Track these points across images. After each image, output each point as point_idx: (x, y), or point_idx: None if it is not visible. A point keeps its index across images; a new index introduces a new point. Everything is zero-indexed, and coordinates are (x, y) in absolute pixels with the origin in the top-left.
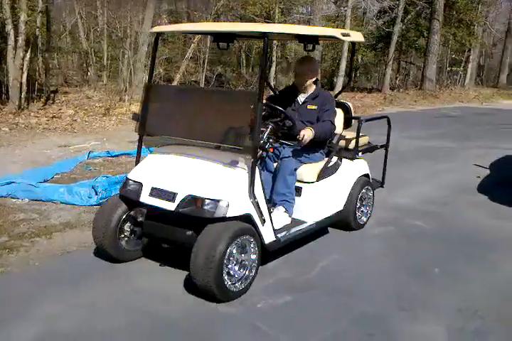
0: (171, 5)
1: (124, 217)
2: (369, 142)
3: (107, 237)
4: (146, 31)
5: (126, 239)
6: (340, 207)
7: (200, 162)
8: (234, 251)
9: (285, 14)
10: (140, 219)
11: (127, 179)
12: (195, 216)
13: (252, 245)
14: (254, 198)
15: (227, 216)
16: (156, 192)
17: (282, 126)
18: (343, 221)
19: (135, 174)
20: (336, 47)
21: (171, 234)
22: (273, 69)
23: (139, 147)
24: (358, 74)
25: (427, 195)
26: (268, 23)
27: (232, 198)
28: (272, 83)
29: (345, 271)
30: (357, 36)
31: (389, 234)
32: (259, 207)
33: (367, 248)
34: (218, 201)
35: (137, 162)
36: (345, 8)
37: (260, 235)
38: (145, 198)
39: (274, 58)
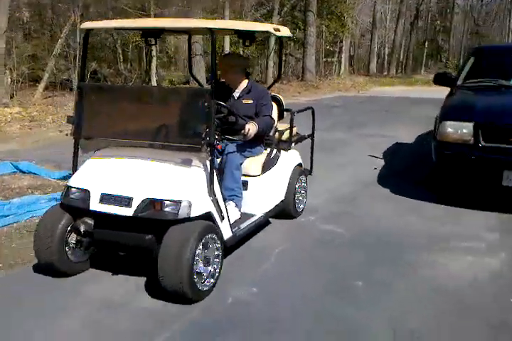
0: None
1: (68, 227)
2: (297, 132)
3: (53, 251)
4: (2, 27)
5: (72, 251)
6: (282, 197)
7: (149, 163)
8: (199, 250)
9: (160, 6)
10: (87, 228)
11: (68, 187)
12: (156, 219)
13: (214, 242)
14: (214, 195)
15: (191, 216)
16: (107, 199)
17: (226, 122)
18: (285, 210)
19: (77, 181)
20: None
21: (128, 240)
22: (154, 63)
23: (75, 152)
24: None
25: (334, 193)
26: (143, 14)
27: (193, 197)
28: (154, 78)
29: (257, 303)
30: (286, 31)
31: (302, 245)
32: (218, 204)
33: (279, 266)
34: (180, 202)
35: (74, 168)
36: (224, 0)
37: (220, 231)
38: (95, 206)
39: (154, 53)
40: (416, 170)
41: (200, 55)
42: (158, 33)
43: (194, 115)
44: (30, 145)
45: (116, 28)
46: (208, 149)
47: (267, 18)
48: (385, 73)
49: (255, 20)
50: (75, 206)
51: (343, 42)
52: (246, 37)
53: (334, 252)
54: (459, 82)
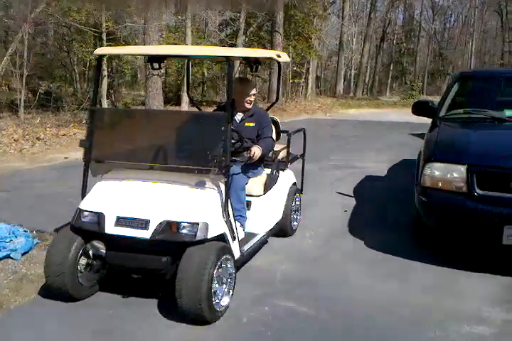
0: None
1: (80, 251)
2: (291, 152)
3: (65, 275)
4: None
5: (82, 274)
6: (281, 216)
7: (163, 186)
8: (216, 271)
9: (116, 23)
10: (99, 251)
11: (80, 210)
12: (173, 241)
13: (228, 262)
14: (228, 217)
15: (208, 237)
16: (123, 222)
17: (233, 145)
18: (282, 228)
19: (89, 204)
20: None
21: (144, 263)
22: (104, 85)
23: (85, 175)
24: (205, 88)
25: (295, 248)
26: (96, 31)
27: (209, 219)
28: (105, 100)
29: None
30: (285, 57)
31: (256, 333)
32: (231, 225)
33: None
34: (197, 224)
35: (84, 191)
36: (185, 19)
37: (232, 251)
38: (111, 229)
39: (105, 72)
40: (393, 214)
41: (157, 76)
42: (163, 58)
43: (211, 139)
44: None
45: (131, 54)
46: (224, 171)
47: (232, 38)
48: (352, 95)
49: (220, 40)
50: (88, 230)
51: (310, 63)
52: (254, 63)
53: None
54: (442, 113)
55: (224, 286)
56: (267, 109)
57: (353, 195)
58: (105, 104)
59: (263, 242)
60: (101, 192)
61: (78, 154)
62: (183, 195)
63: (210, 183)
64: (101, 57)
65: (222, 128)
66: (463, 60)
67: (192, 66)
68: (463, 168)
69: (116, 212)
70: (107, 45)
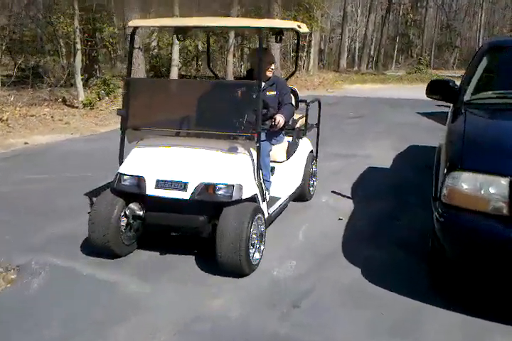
0: None
1: (122, 212)
2: (307, 122)
3: (110, 234)
4: None
5: (123, 234)
6: (301, 181)
7: (199, 151)
8: (251, 229)
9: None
10: (138, 212)
11: (120, 174)
12: (209, 201)
13: (260, 221)
14: (259, 179)
15: (242, 198)
16: (163, 184)
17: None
18: (301, 193)
19: (128, 168)
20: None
21: (182, 222)
22: (78, 58)
23: (122, 142)
24: (200, 63)
25: (270, 276)
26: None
27: (243, 181)
28: (79, 77)
29: None
30: (305, 28)
31: None
32: (261, 188)
33: None
34: (232, 185)
35: (121, 157)
36: None
37: (263, 212)
38: (151, 191)
39: (78, 46)
40: (401, 226)
41: (139, 49)
42: (187, 30)
43: (243, 106)
44: None
45: (161, 27)
46: (256, 137)
47: (226, 7)
48: (356, 69)
49: (216, 12)
50: (129, 192)
51: (312, 36)
52: (278, 34)
53: None
54: (466, 97)
55: (257, 242)
56: (286, 79)
57: (350, 195)
58: (79, 80)
59: (285, 206)
60: (139, 158)
61: (41, 138)
62: (218, 159)
63: (242, 148)
64: (135, 29)
65: (254, 96)
66: (471, 32)
67: (184, 39)
68: (504, 182)
69: (156, 176)
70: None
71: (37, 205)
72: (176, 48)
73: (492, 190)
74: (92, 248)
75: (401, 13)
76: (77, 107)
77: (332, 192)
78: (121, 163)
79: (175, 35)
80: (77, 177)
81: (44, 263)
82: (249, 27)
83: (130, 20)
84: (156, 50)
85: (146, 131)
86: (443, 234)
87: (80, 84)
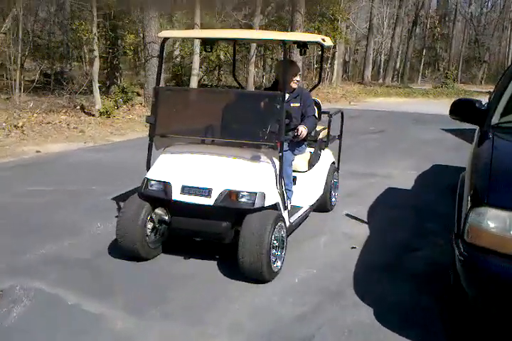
0: None
1: (148, 217)
2: (329, 133)
3: (137, 238)
4: None
5: (149, 238)
6: (322, 191)
7: (223, 159)
8: (273, 236)
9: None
10: (164, 217)
11: (148, 179)
12: (232, 208)
13: (282, 229)
14: (282, 188)
15: (264, 206)
16: (188, 190)
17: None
18: (322, 203)
19: (156, 174)
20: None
21: (206, 227)
22: (95, 66)
23: (150, 148)
24: (221, 72)
25: (272, 321)
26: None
27: (266, 189)
28: (96, 85)
29: None
30: (329, 41)
31: None
32: (283, 196)
33: None
34: (255, 193)
35: (149, 163)
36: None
37: (284, 220)
38: (177, 196)
39: (96, 53)
40: (422, 259)
41: (157, 57)
42: (214, 42)
43: (269, 116)
44: None
45: (191, 38)
46: (279, 146)
47: (249, 19)
48: (381, 81)
49: (236, 21)
50: (156, 197)
51: (337, 47)
52: (302, 46)
53: None
54: (495, 119)
55: (278, 251)
56: (310, 90)
57: (366, 219)
58: (96, 87)
59: (306, 216)
60: (165, 164)
61: (54, 147)
62: (241, 167)
63: (265, 157)
64: (165, 39)
65: (278, 107)
66: (500, 47)
67: (211, 50)
68: None
69: (182, 182)
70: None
71: (32, 221)
72: (197, 58)
73: None
74: (82, 271)
75: (428, 26)
76: (94, 115)
77: (347, 215)
78: (148, 168)
79: (199, 45)
80: (81, 191)
81: (29, 289)
82: (274, 39)
83: (149, 28)
84: (178, 59)
85: (172, 138)
86: (465, 277)
87: (97, 91)
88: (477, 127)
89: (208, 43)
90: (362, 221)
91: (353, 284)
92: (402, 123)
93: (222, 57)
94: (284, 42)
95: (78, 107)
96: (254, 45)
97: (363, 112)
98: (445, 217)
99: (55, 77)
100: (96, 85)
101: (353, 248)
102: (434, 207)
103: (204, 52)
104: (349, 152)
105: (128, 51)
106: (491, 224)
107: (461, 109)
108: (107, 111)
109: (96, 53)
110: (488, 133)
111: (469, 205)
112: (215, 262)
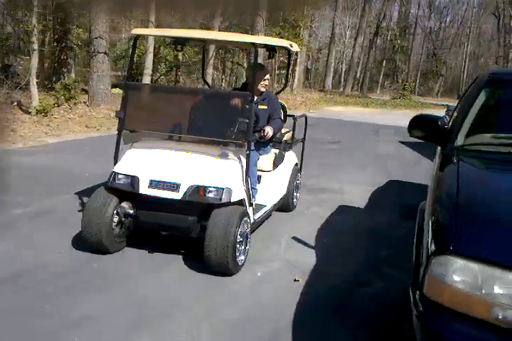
0: None
1: (115, 210)
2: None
3: (103, 230)
4: None
5: (115, 231)
6: (285, 191)
7: (191, 155)
8: (238, 230)
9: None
10: (130, 211)
11: (115, 173)
12: (199, 203)
13: (246, 224)
14: (247, 185)
15: (231, 201)
16: (156, 184)
17: None
18: (285, 203)
19: (123, 168)
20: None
21: (172, 221)
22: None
23: (118, 142)
24: (179, 74)
25: None
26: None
27: (233, 185)
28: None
29: None
30: (296, 47)
31: None
32: (248, 193)
33: None
34: (222, 189)
35: (116, 157)
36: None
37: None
38: (145, 190)
39: (35, 46)
40: (369, 293)
41: (105, 54)
42: (186, 41)
43: (238, 115)
44: None
45: (162, 36)
46: (246, 144)
47: (209, 21)
48: (341, 90)
49: (201, 24)
50: (123, 190)
51: (298, 54)
52: (271, 50)
53: None
54: (459, 141)
55: (243, 245)
56: (276, 94)
57: (313, 243)
58: (33, 82)
59: (269, 214)
60: (133, 158)
61: None
62: (209, 164)
63: (232, 155)
64: (137, 36)
65: (247, 106)
66: (457, 61)
67: (181, 49)
68: None
69: (149, 176)
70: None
71: None
72: (150, 57)
73: (499, 290)
74: None
75: (389, 38)
76: (30, 113)
77: (292, 238)
78: (115, 162)
79: (152, 44)
80: None
81: None
82: (245, 42)
83: (97, 22)
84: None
85: (141, 133)
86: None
87: (34, 87)
88: (437, 150)
89: (179, 43)
90: (309, 246)
91: (291, 328)
92: (359, 133)
93: (180, 57)
94: (254, 45)
95: (15, 104)
96: (213, 47)
97: (321, 120)
98: (400, 243)
99: (3, 70)
100: (33, 81)
101: (295, 280)
102: (388, 231)
103: (160, 52)
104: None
105: (74, 46)
106: (457, 278)
107: (421, 126)
108: (44, 110)
109: (35, 46)
110: (451, 157)
111: (430, 251)
112: (181, 256)
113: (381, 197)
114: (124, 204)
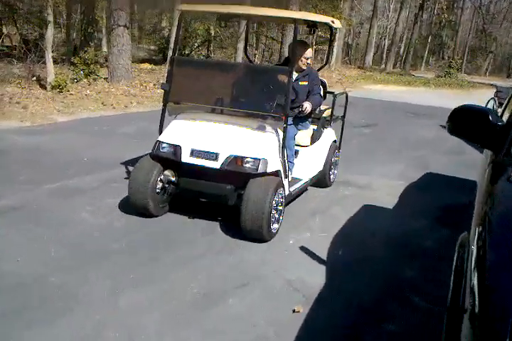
0: None
1: (159, 177)
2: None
3: (148, 194)
4: None
5: (159, 196)
6: (321, 167)
7: (231, 127)
8: (273, 200)
9: None
10: (173, 178)
11: (160, 142)
12: (237, 172)
13: (281, 195)
14: (283, 157)
15: (267, 171)
16: (197, 153)
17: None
18: (321, 179)
19: (167, 137)
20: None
21: (211, 189)
22: (49, 33)
23: (163, 113)
24: (211, 48)
25: None
26: None
27: (269, 157)
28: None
29: None
30: (338, 24)
31: None
32: (284, 165)
33: None
34: (259, 159)
35: (161, 127)
36: None
37: (284, 187)
38: (186, 158)
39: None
40: (390, 333)
41: (125, 27)
42: (230, 17)
43: (277, 89)
44: None
45: (209, 12)
46: (284, 118)
47: None
48: (382, 67)
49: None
50: (167, 158)
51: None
52: (312, 26)
53: None
54: None
55: (277, 214)
56: (318, 70)
57: (325, 257)
58: (49, 56)
59: (304, 189)
60: (177, 129)
61: None
62: (247, 135)
63: (270, 128)
64: (183, 12)
65: (285, 81)
66: (508, 38)
67: (225, 26)
68: None
69: (191, 145)
70: None
71: None
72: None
73: None
74: None
75: (435, 12)
76: (46, 88)
77: (301, 248)
78: (160, 132)
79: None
80: None
81: None
82: (287, 17)
83: None
84: (164, 32)
85: (184, 105)
86: None
87: (49, 61)
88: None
89: (224, 19)
90: (318, 260)
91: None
92: (397, 116)
93: (212, 32)
94: (295, 21)
95: (34, 78)
96: (243, 23)
97: (357, 100)
98: (433, 261)
99: (34, 43)
100: (49, 55)
101: (294, 312)
102: (418, 244)
103: (191, 26)
104: (341, 140)
105: (98, 18)
106: None
107: (465, 121)
108: (59, 85)
109: (50, 18)
110: (508, 168)
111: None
112: (218, 223)
113: (414, 195)
114: (167, 172)
